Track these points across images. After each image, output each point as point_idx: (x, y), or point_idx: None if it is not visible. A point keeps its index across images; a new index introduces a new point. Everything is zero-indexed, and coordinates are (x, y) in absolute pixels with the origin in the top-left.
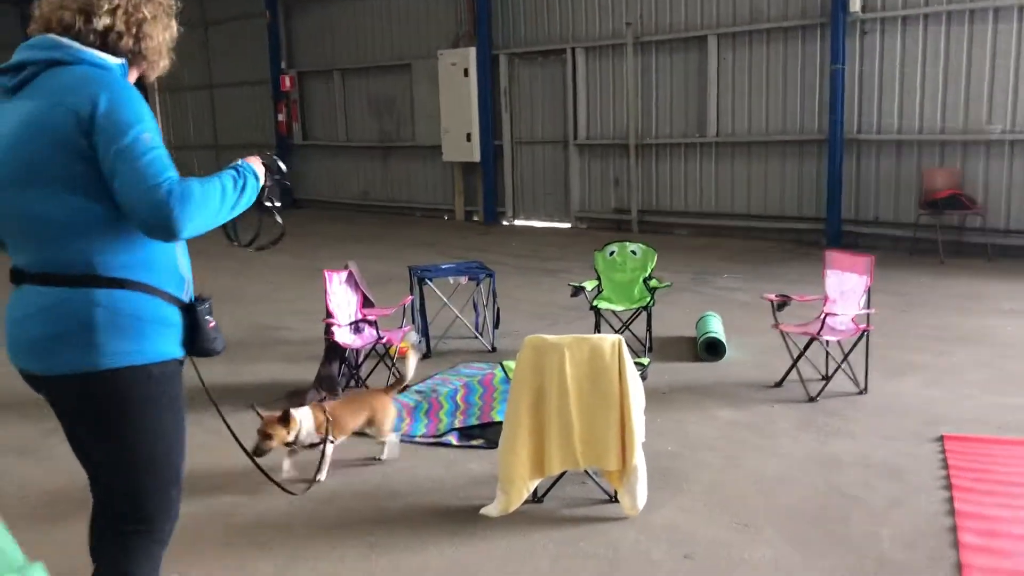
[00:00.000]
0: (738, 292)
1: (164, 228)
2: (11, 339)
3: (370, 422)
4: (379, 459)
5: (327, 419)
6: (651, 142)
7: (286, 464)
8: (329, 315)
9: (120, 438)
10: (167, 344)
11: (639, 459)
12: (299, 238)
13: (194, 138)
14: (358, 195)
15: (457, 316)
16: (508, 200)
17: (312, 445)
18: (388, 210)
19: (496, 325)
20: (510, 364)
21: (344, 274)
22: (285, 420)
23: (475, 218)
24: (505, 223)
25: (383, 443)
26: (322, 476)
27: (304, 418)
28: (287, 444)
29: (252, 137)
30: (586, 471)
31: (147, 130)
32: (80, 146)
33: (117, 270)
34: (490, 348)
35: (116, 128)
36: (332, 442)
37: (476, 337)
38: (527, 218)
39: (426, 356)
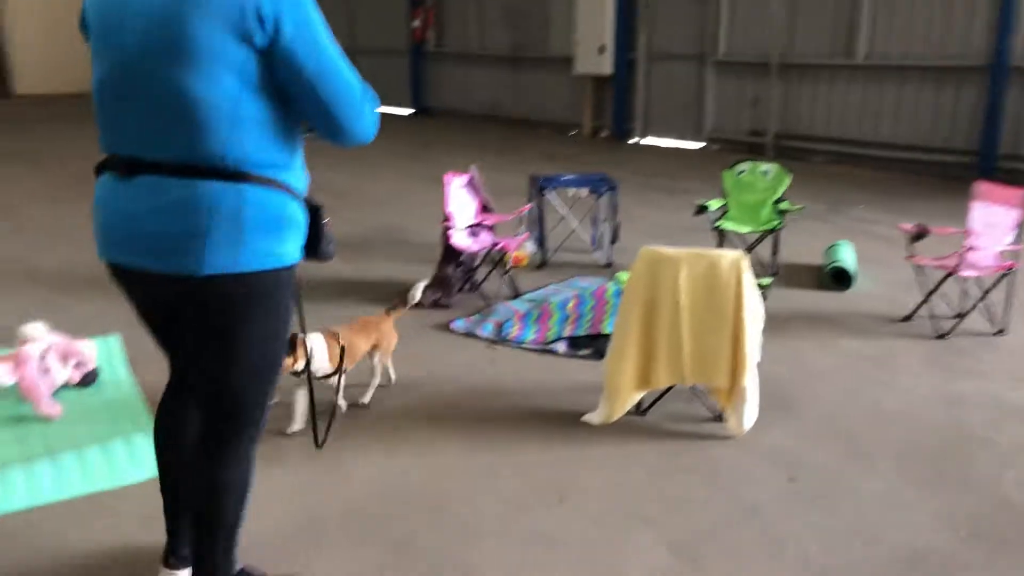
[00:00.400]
0: (873, 223)
1: (364, 137)
2: (121, 234)
3: (375, 347)
4: (364, 403)
5: (341, 347)
6: (794, 62)
7: (298, 408)
8: (447, 218)
9: (242, 340)
10: (296, 247)
11: (750, 379)
12: (425, 145)
13: None
14: (486, 105)
15: (575, 228)
16: (638, 117)
17: (325, 376)
18: (515, 122)
19: (614, 240)
20: (624, 275)
21: (465, 178)
22: (291, 347)
23: (603, 134)
24: (633, 140)
25: (384, 367)
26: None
27: (317, 347)
28: (295, 374)
29: (388, 42)
30: (693, 388)
31: (329, 34)
32: (251, 32)
33: (266, 168)
34: (606, 263)
35: (307, 32)
36: (345, 371)
37: (592, 252)
38: (656, 136)
39: (541, 266)
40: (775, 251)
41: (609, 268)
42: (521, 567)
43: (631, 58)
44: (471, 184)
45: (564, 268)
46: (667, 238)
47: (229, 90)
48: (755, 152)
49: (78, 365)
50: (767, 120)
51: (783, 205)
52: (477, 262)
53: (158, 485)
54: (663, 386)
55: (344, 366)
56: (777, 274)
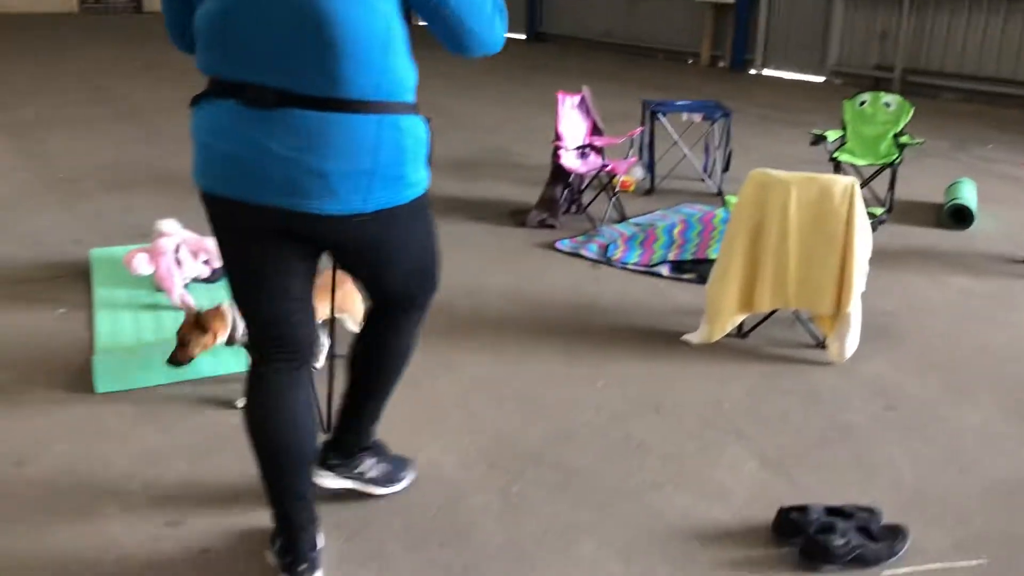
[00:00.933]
0: (1002, 163)
1: (492, 47)
2: (250, 170)
3: (339, 309)
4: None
5: None
6: None
7: None
8: (558, 137)
9: (404, 257)
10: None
11: (854, 307)
12: (538, 70)
13: None
14: (600, 32)
15: (685, 155)
16: (758, 47)
17: None
18: (629, 49)
19: (725, 169)
20: (732, 198)
21: (577, 98)
22: (202, 324)
23: (720, 64)
24: (752, 71)
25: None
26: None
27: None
28: (227, 344)
29: None
30: (796, 314)
31: None
32: None
33: (408, 93)
34: (715, 191)
35: None
36: None
37: (702, 179)
38: (776, 68)
39: (648, 192)
40: (892, 185)
41: (719, 196)
42: (615, 470)
43: None
44: (583, 105)
45: (672, 195)
46: (780, 168)
47: (384, 14)
48: (881, 87)
49: (206, 261)
50: (895, 55)
51: (903, 139)
52: (584, 184)
53: None
54: (766, 310)
55: None
56: (891, 209)
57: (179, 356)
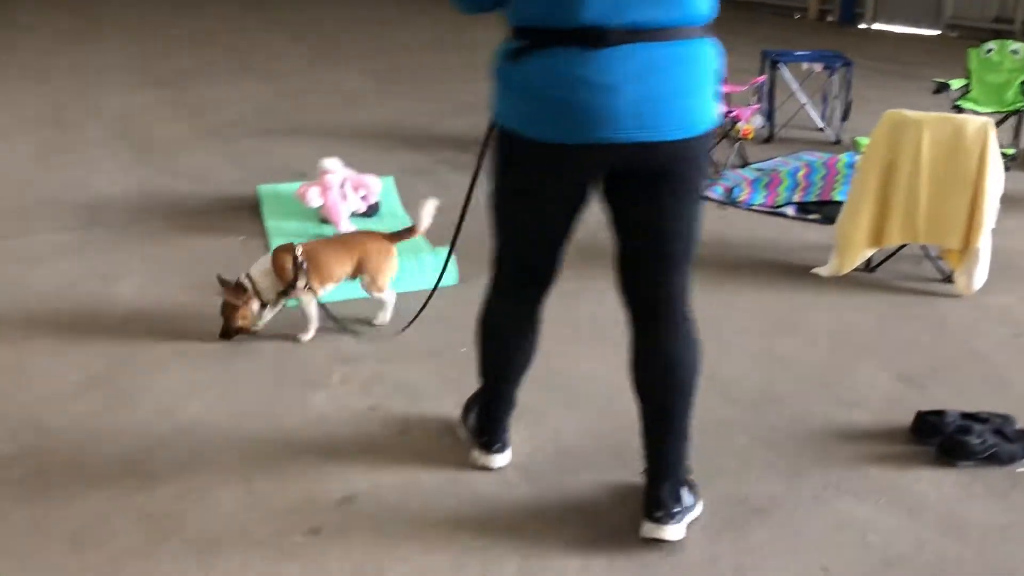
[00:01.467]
0: None
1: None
2: (595, 110)
3: (361, 269)
4: (372, 324)
5: (296, 261)
6: None
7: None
8: None
9: (698, 192)
10: None
11: (984, 242)
12: None
13: None
14: None
15: (805, 104)
16: (868, 0)
17: (283, 294)
18: (732, 4)
19: (845, 118)
20: (862, 140)
21: None
22: (237, 290)
23: (829, 18)
24: (863, 26)
25: (379, 300)
26: (307, 336)
27: (257, 273)
28: (262, 307)
29: None
30: (924, 248)
31: None
32: None
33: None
34: (835, 140)
35: None
36: (311, 289)
37: (821, 129)
38: (888, 22)
39: (767, 140)
40: (1017, 133)
41: (838, 145)
42: (760, 378)
43: None
44: None
45: (790, 143)
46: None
47: None
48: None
49: (364, 196)
50: (1016, 4)
51: None
52: None
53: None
54: (895, 244)
55: (309, 284)
56: (1015, 159)
57: (225, 331)
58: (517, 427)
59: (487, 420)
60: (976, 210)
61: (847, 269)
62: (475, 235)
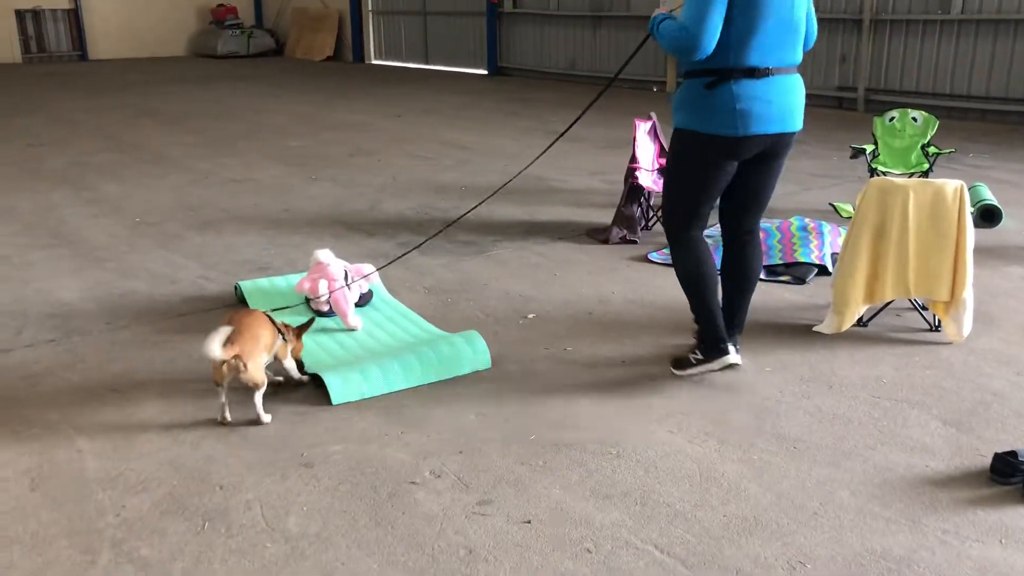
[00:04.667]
0: (990, 169)
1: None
2: (767, 113)
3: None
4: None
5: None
6: (887, 17)
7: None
8: (634, 159)
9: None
10: None
11: (968, 292)
12: (521, 102)
13: (403, 4)
14: (564, 65)
15: None
16: None
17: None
18: (593, 80)
19: None
20: (841, 205)
21: (648, 124)
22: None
23: None
24: None
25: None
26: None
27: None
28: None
29: (462, 5)
30: (912, 302)
31: None
32: None
33: None
34: None
35: None
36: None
37: None
38: None
39: None
40: None
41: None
42: (827, 437)
43: None
44: (652, 130)
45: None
46: (809, 184)
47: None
48: (844, 107)
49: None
50: (857, 76)
51: (931, 149)
52: (653, 201)
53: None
54: (888, 300)
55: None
56: None
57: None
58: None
59: (711, 335)
60: (959, 264)
61: (848, 325)
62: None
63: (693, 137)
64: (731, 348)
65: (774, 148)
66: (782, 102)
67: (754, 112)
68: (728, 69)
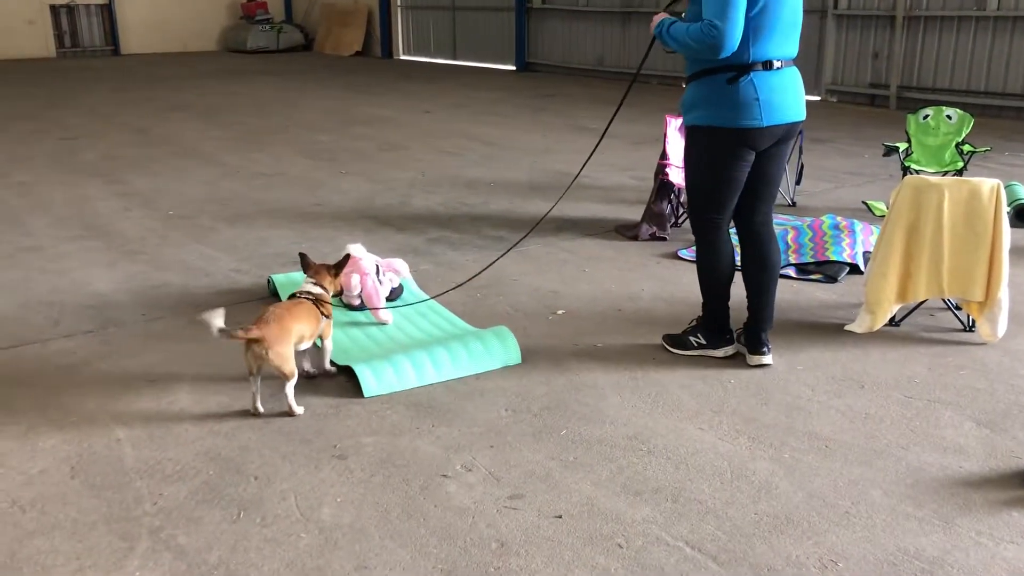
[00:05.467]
0: None
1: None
2: (779, 103)
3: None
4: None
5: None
6: (920, 14)
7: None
8: (665, 156)
9: None
10: None
11: (1004, 292)
12: (540, 98)
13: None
14: (593, 61)
15: None
16: None
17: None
18: (622, 76)
19: (798, 181)
20: (874, 203)
21: (679, 120)
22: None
23: None
24: None
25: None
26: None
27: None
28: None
29: (491, 1)
30: (945, 302)
31: None
32: None
33: None
34: (790, 203)
35: None
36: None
37: None
38: None
39: None
40: None
41: (794, 207)
42: (858, 435)
43: None
44: (683, 127)
45: None
46: (841, 182)
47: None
48: (877, 105)
49: (391, 280)
50: (889, 73)
51: (966, 147)
52: (682, 198)
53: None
54: (921, 299)
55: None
56: None
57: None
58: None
59: (718, 323)
60: (995, 263)
61: (880, 324)
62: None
63: (716, 133)
64: (741, 342)
65: (786, 136)
66: (794, 92)
67: (774, 103)
68: (748, 64)
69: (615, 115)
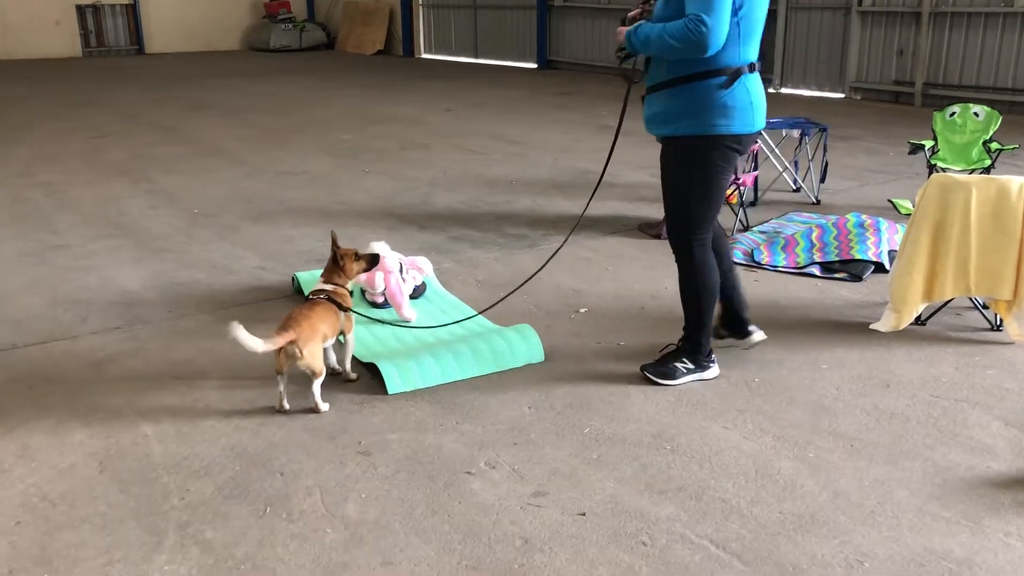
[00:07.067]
0: None
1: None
2: (761, 108)
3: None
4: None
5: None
6: (947, 10)
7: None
8: None
9: None
10: None
11: None
12: (561, 95)
13: None
14: (612, 59)
15: (788, 167)
16: (776, 67)
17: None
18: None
19: (823, 179)
20: (900, 201)
21: None
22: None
23: None
24: (771, 90)
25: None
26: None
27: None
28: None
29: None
30: (972, 300)
31: None
32: None
33: None
34: (815, 201)
35: None
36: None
37: (796, 190)
38: (795, 86)
39: (752, 204)
40: None
41: (819, 205)
42: (883, 433)
43: (771, 8)
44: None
45: (775, 205)
46: (866, 180)
47: None
48: (901, 102)
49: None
50: (915, 70)
51: (994, 145)
52: None
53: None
54: (948, 298)
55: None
56: None
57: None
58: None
59: (703, 343)
60: (1022, 263)
61: (905, 324)
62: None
63: (710, 142)
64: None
65: (753, 139)
66: (763, 95)
67: (762, 106)
68: (739, 66)
69: (621, 120)
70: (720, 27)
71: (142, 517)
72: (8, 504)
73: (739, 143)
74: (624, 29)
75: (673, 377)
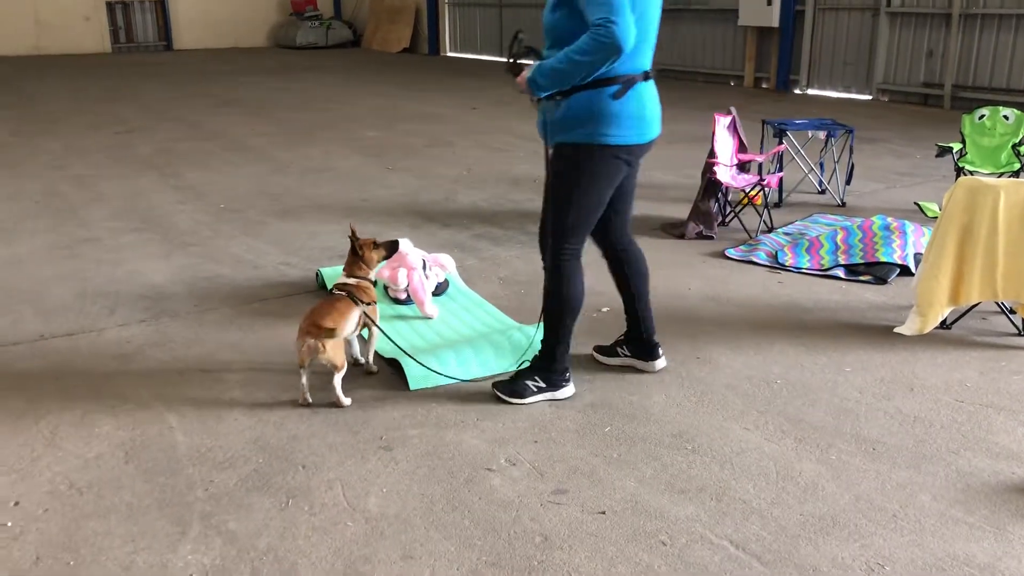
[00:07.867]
0: None
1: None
2: (655, 117)
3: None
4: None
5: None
6: (978, 12)
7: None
8: (713, 154)
9: None
10: None
11: None
12: None
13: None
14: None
15: (813, 168)
16: (803, 68)
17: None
18: (666, 74)
19: (848, 181)
20: (927, 204)
21: (728, 119)
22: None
23: (764, 85)
24: (797, 91)
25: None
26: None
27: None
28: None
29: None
30: (999, 305)
31: None
32: None
33: None
34: (840, 203)
35: None
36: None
37: (822, 192)
38: (821, 88)
39: (777, 205)
40: None
41: (844, 207)
42: (907, 439)
43: (799, 9)
44: (732, 125)
45: (799, 207)
46: (892, 182)
47: None
48: (930, 104)
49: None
50: (944, 72)
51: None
52: (730, 197)
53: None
54: (974, 302)
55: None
56: None
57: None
58: None
59: (564, 360)
60: None
61: (930, 327)
62: None
63: (596, 151)
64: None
65: (647, 148)
66: (658, 104)
67: (655, 116)
68: (632, 75)
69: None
70: (628, 25)
71: (166, 507)
72: (36, 492)
73: (630, 153)
74: (522, 77)
75: (523, 396)
